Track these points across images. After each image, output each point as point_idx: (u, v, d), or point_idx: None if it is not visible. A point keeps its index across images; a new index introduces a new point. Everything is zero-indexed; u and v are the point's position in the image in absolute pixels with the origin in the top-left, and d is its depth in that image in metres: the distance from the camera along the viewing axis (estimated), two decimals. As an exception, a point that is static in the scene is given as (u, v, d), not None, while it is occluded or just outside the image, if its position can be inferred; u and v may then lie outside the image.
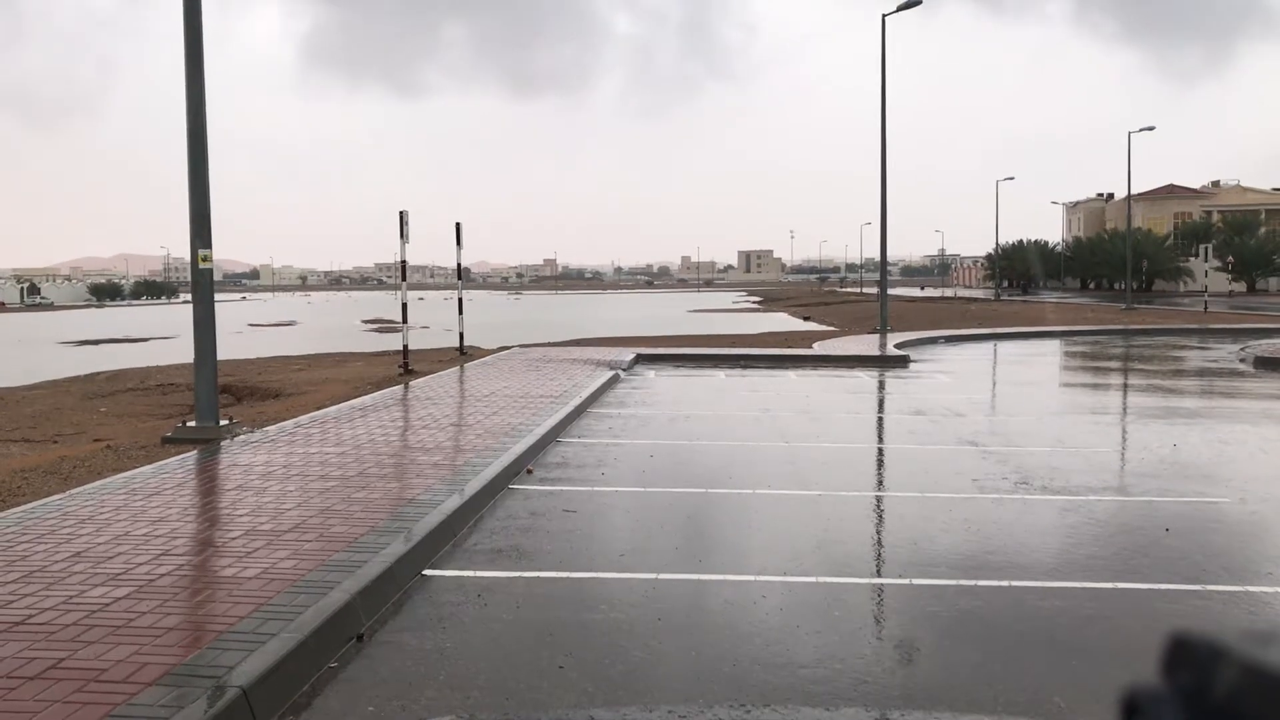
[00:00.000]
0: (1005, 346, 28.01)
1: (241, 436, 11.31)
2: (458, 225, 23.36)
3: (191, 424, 11.68)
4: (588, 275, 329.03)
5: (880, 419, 14.46)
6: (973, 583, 6.36)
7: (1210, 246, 52.38)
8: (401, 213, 19.04)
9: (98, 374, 26.57)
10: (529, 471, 9.97)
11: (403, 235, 19.06)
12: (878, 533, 7.94)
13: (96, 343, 51.46)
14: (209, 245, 11.73)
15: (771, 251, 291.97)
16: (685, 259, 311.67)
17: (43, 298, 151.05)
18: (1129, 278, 52.95)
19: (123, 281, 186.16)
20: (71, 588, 5.70)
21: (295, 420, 12.59)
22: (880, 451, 11.93)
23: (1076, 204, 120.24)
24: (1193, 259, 77.11)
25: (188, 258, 12.01)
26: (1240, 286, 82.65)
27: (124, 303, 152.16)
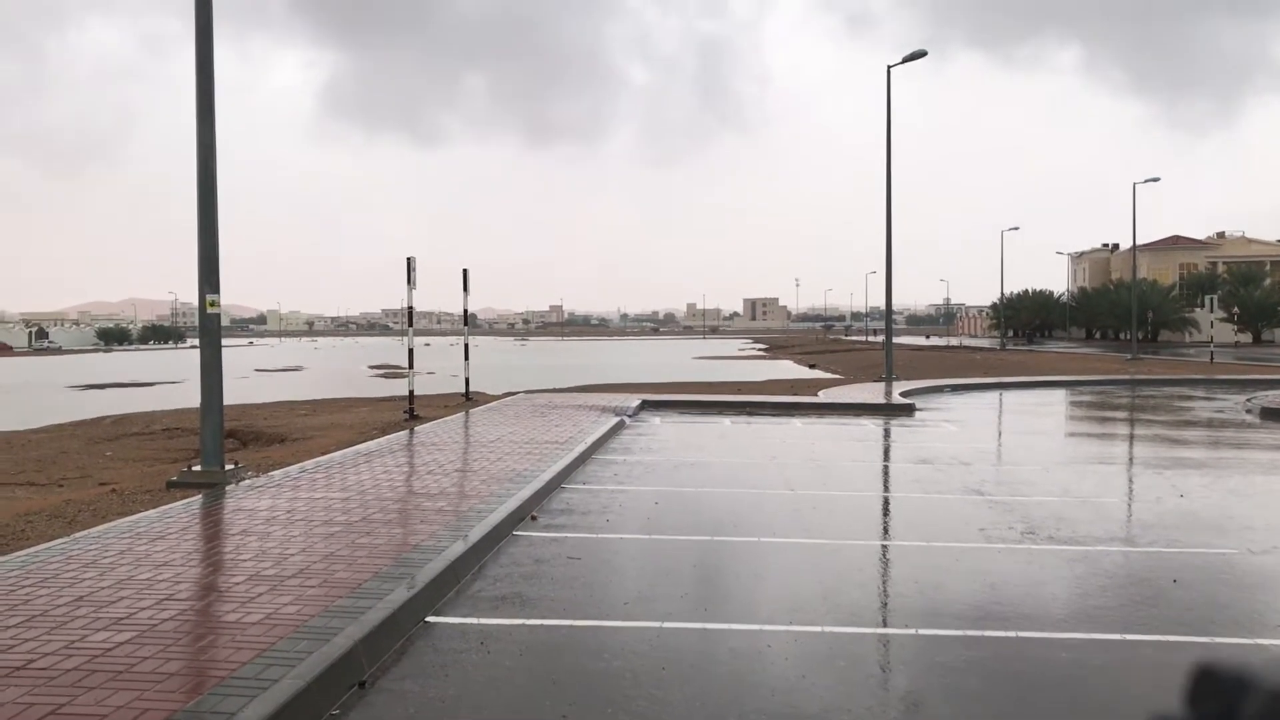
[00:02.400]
0: (1011, 396, 27.97)
1: (246, 481, 11.30)
2: (464, 271, 23.49)
3: (197, 468, 11.68)
4: (594, 322, 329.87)
5: (886, 467, 14.42)
6: (979, 633, 6.31)
7: (1216, 297, 52.39)
8: (409, 259, 19.14)
9: (104, 418, 26.61)
10: (533, 518, 9.94)
11: (410, 281, 19.15)
12: (884, 582, 7.90)
13: (103, 387, 51.60)
14: (217, 290, 11.80)
15: (777, 299, 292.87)
16: (691, 306, 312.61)
17: (50, 342, 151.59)
18: (1134, 328, 52.96)
19: (131, 326, 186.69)
20: (73, 632, 5.68)
21: (300, 465, 12.58)
22: (886, 500, 11.89)
23: (1082, 254, 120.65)
24: (1198, 309, 77.16)
25: (196, 302, 12.07)
26: (1246, 337, 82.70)
27: (131, 347, 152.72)
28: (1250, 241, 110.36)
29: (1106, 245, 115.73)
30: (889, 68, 29.66)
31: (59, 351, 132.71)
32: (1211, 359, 43.53)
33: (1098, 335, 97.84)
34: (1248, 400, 24.43)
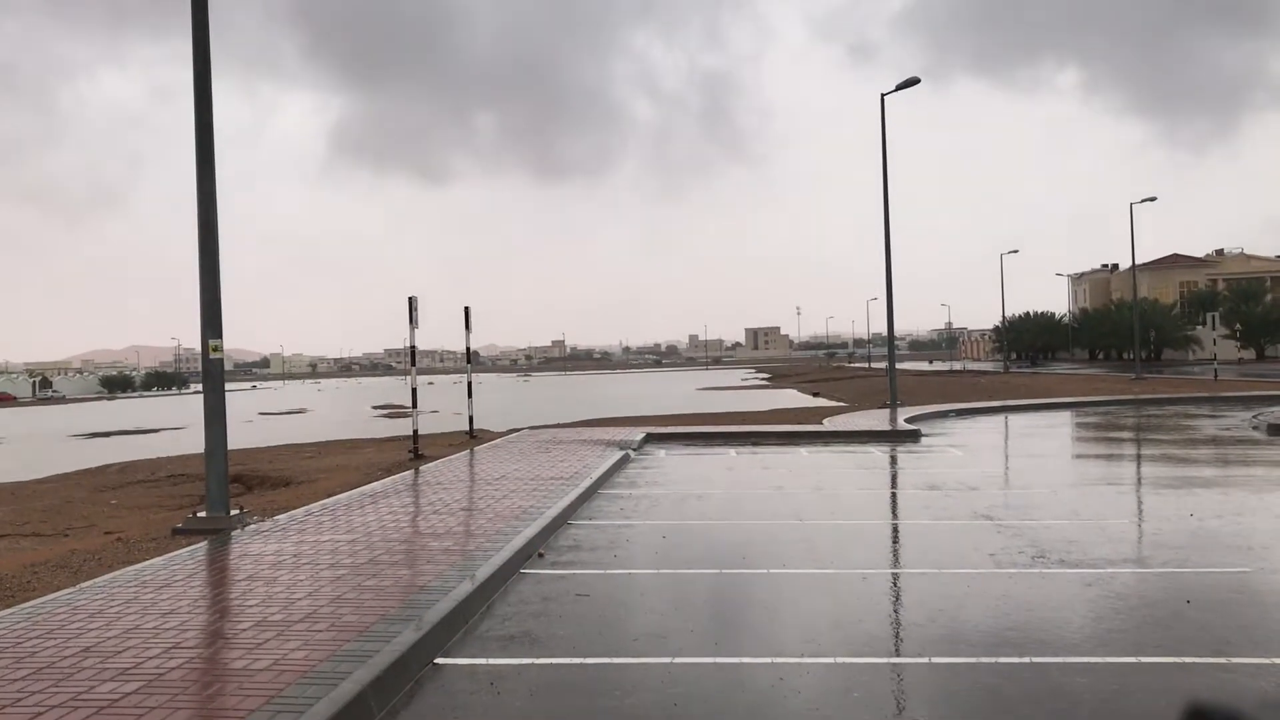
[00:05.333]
0: (1016, 419, 27.90)
1: (252, 526, 11.26)
2: (466, 309, 23.53)
3: (202, 514, 11.65)
4: (596, 355, 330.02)
5: (894, 494, 14.36)
6: (993, 660, 6.25)
7: (1218, 314, 52.43)
8: (411, 298, 19.17)
9: (108, 466, 26.59)
10: (540, 555, 9.89)
11: (412, 321, 19.17)
12: (895, 611, 7.83)
13: (107, 435, 51.60)
14: (220, 335, 11.81)
15: (779, 328, 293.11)
16: (693, 337, 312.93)
17: (54, 391, 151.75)
18: (1137, 348, 52.93)
19: (134, 373, 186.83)
20: (80, 684, 5.63)
21: (306, 508, 12.54)
22: (895, 528, 11.82)
23: (1082, 275, 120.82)
24: (1200, 327, 77.20)
25: (199, 348, 12.09)
26: (1249, 354, 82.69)
27: (135, 394, 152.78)
28: (1250, 258, 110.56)
29: (1106, 266, 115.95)
30: (883, 95, 29.84)
31: (63, 400, 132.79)
32: (1216, 376, 43.48)
33: (1101, 356, 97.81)
34: (1254, 416, 24.38)
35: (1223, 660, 6.16)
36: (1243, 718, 0.69)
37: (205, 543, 10.37)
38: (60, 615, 7.28)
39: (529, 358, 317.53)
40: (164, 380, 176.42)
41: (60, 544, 12.12)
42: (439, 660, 6.52)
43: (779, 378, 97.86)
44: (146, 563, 9.32)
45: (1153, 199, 50.14)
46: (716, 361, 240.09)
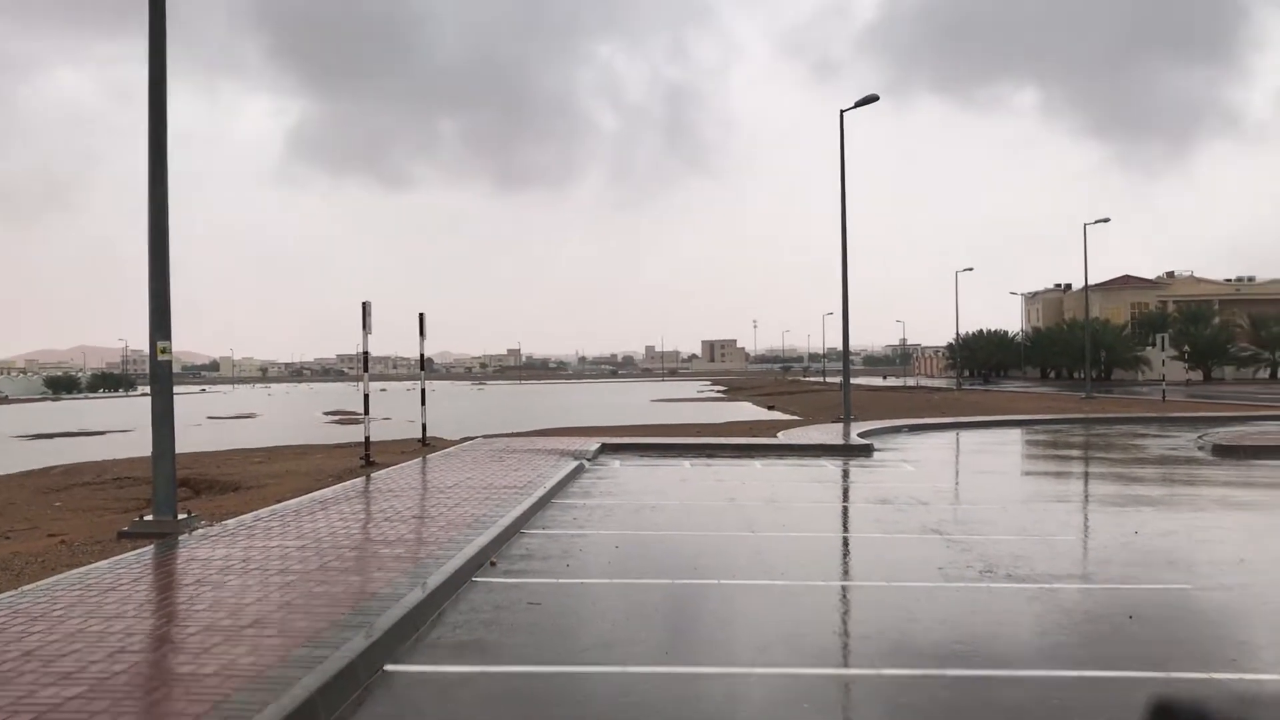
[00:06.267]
0: (968, 435, 28.21)
1: (200, 530, 11.13)
2: (421, 316, 23.43)
3: (149, 518, 11.49)
4: (552, 365, 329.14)
5: (846, 508, 14.46)
6: (941, 672, 6.32)
7: (1167, 336, 53.27)
8: (364, 304, 19.05)
9: (53, 468, 26.13)
10: (493, 564, 9.86)
11: (365, 326, 19.05)
12: (845, 622, 7.90)
13: (52, 436, 50.71)
14: (168, 337, 11.67)
15: (735, 341, 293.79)
16: (649, 348, 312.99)
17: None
18: (1088, 367, 53.69)
19: (80, 374, 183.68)
20: (21, 688, 5.54)
21: (255, 513, 12.41)
22: (846, 541, 11.91)
23: (1035, 294, 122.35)
24: (1150, 348, 78.41)
25: (146, 350, 11.93)
26: (1197, 375, 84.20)
27: (81, 395, 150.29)
28: (1199, 281, 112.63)
29: (1059, 285, 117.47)
30: (842, 111, 30.09)
31: (5, 400, 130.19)
32: (1164, 397, 44.20)
33: (1052, 374, 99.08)
34: (1200, 437, 24.81)
35: (1163, 675, 6.27)
36: (1207, 711, 0.72)
37: (152, 547, 10.23)
38: (1, 619, 7.14)
39: (484, 366, 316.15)
40: (111, 382, 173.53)
41: (2, 546, 11.89)
42: (389, 667, 6.48)
43: (735, 390, 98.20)
44: (91, 566, 9.18)
45: (1106, 220, 50.92)
46: (673, 373, 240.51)
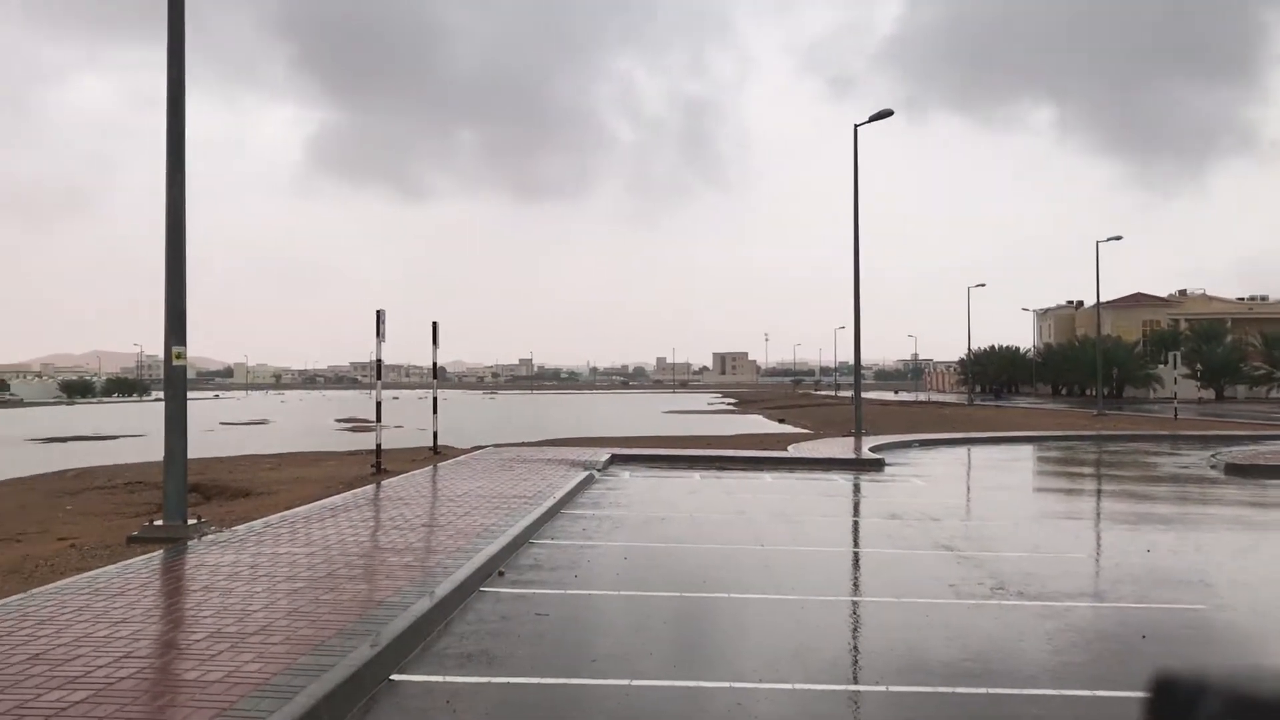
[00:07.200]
0: (979, 451, 28.09)
1: (209, 536, 11.13)
2: (434, 325, 23.45)
3: (159, 523, 11.50)
4: (563, 375, 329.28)
5: (856, 523, 14.40)
6: (950, 690, 6.27)
7: (1179, 354, 53.03)
8: (378, 312, 19.07)
9: (65, 471, 26.20)
10: (501, 574, 9.84)
11: (379, 334, 19.07)
12: (854, 638, 7.85)
13: (65, 440, 50.89)
14: (184, 343, 11.70)
15: (746, 354, 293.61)
16: (660, 360, 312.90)
17: (11, 394, 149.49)
18: (1100, 384, 53.44)
19: (94, 379, 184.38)
20: (26, 691, 5.53)
21: (264, 520, 12.42)
22: (856, 556, 11.85)
23: (1047, 310, 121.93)
24: (1162, 366, 78.11)
25: (161, 355, 11.96)
26: (1209, 393, 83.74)
27: (95, 400, 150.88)
28: (1211, 299, 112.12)
29: (1072, 302, 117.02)
30: (856, 126, 30.10)
31: (20, 404, 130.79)
32: (1176, 415, 43.96)
33: (1064, 391, 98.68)
34: (1213, 456, 24.65)
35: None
36: (1210, 683, 0.71)
37: (161, 552, 10.24)
38: (9, 621, 7.15)
39: (495, 375, 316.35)
40: (125, 387, 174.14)
41: (12, 549, 11.91)
42: (395, 676, 6.46)
43: (745, 403, 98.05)
44: (100, 570, 9.19)
45: (1118, 238, 50.72)
46: (684, 385, 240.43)
